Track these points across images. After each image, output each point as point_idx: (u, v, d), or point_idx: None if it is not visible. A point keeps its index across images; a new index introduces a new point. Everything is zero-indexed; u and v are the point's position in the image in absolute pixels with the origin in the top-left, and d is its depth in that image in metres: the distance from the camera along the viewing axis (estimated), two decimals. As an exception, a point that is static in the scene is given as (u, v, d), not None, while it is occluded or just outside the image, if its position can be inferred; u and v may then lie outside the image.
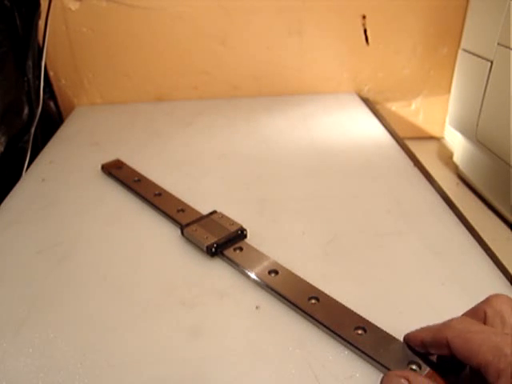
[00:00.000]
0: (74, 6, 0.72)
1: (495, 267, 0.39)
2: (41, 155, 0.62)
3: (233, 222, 0.42)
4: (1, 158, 0.60)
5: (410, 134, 0.85)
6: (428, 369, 0.28)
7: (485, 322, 0.26)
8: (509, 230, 0.62)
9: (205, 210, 0.45)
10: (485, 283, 0.37)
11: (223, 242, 0.40)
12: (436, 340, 0.26)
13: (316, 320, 0.33)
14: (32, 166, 0.60)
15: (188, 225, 0.43)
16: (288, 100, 0.80)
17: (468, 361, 0.24)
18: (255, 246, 0.41)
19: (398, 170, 0.56)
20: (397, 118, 0.84)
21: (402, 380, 0.25)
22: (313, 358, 0.31)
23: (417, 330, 0.28)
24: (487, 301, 0.27)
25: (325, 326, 0.32)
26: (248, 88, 0.81)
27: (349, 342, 0.31)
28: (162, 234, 0.45)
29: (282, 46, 0.77)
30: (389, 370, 0.28)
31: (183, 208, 0.47)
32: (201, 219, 0.43)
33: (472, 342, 0.24)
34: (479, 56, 0.66)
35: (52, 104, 0.79)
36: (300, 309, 0.34)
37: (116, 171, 0.55)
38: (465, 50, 0.70)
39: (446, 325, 0.26)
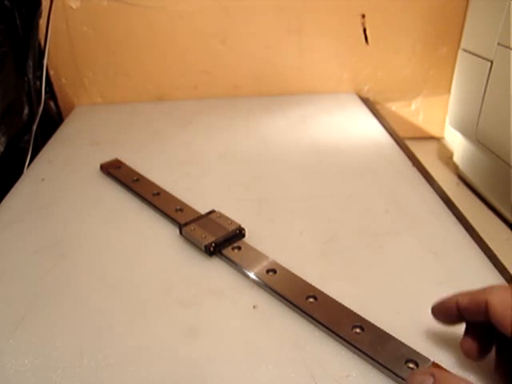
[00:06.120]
0: (75, 4, 0.72)
1: (493, 267, 0.39)
2: (40, 155, 0.62)
3: (231, 222, 0.42)
4: (1, 157, 0.60)
5: (410, 134, 0.84)
6: (427, 365, 0.28)
7: None
8: (509, 230, 0.62)
9: (203, 210, 0.45)
10: (482, 283, 0.37)
11: (221, 241, 0.40)
12: (474, 302, 0.26)
13: (314, 319, 0.33)
14: (31, 165, 0.60)
15: (186, 224, 0.43)
16: (288, 100, 0.80)
17: (505, 329, 0.24)
18: (253, 246, 0.41)
19: (397, 169, 0.56)
20: (397, 118, 0.84)
21: (428, 376, 0.25)
22: (310, 357, 0.31)
23: (450, 296, 0.28)
24: (487, 291, 0.27)
25: (323, 324, 0.32)
26: (248, 87, 0.81)
27: (347, 341, 0.31)
28: (160, 233, 0.45)
29: (282, 46, 0.77)
30: (386, 368, 0.28)
31: (182, 207, 0.47)
32: (199, 218, 0.43)
33: None
34: (479, 56, 0.65)
35: (52, 103, 0.79)
36: (298, 307, 0.34)
37: (115, 171, 0.55)
38: (465, 50, 0.70)
39: (487, 290, 0.26)
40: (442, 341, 0.31)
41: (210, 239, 0.40)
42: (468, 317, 0.27)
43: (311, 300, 0.34)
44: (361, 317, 0.32)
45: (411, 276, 0.38)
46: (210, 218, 0.43)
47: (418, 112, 0.85)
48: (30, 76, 0.68)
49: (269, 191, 0.52)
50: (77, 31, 0.74)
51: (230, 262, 0.39)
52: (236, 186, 0.53)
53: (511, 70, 0.57)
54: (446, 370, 0.28)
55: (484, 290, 0.26)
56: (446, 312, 0.29)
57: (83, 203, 0.50)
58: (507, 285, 0.27)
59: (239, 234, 0.42)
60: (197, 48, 0.77)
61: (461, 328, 0.29)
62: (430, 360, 0.28)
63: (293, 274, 0.37)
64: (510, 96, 0.57)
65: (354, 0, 0.74)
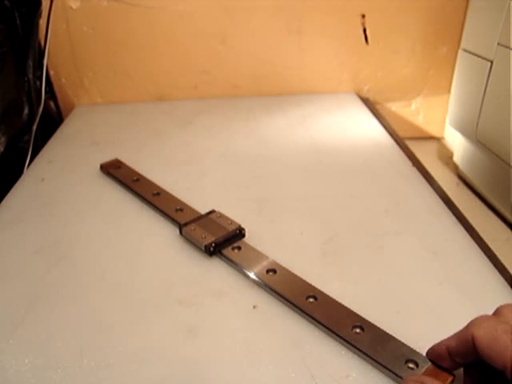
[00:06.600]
0: (75, 4, 0.72)
1: (493, 267, 0.39)
2: (40, 155, 0.62)
3: (231, 222, 0.42)
4: (1, 157, 0.60)
5: (410, 134, 0.84)
6: (426, 366, 0.28)
7: None
8: (509, 230, 0.61)
9: (203, 210, 0.45)
10: (482, 283, 0.37)
11: (221, 241, 0.40)
12: (462, 341, 0.25)
13: (314, 319, 0.33)
14: (31, 165, 0.60)
15: (186, 224, 0.43)
16: (288, 100, 0.80)
17: (492, 361, 0.23)
18: (253, 246, 0.41)
19: (397, 170, 0.56)
20: (397, 118, 0.84)
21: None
22: (310, 357, 0.31)
23: (439, 342, 0.27)
24: (498, 312, 0.26)
25: (323, 324, 0.32)
26: (248, 87, 0.81)
27: (346, 341, 0.31)
28: (160, 233, 0.45)
29: (282, 46, 0.77)
30: (386, 368, 0.28)
31: (182, 207, 0.47)
32: (199, 218, 0.43)
33: (499, 342, 0.23)
34: (479, 56, 0.65)
35: (52, 103, 0.79)
36: (298, 308, 0.34)
37: (115, 171, 0.55)
38: (465, 50, 0.70)
39: (472, 323, 0.25)
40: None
41: (210, 239, 0.40)
42: (460, 359, 0.26)
43: (311, 300, 0.34)
44: (361, 317, 0.32)
45: (411, 276, 0.38)
46: (209, 218, 0.43)
47: (418, 112, 0.85)
48: (30, 76, 0.68)
49: (269, 191, 0.52)
50: (77, 31, 0.74)
51: (230, 262, 0.39)
52: (236, 185, 0.53)
53: (511, 70, 0.57)
54: (444, 371, 0.27)
55: (468, 325, 0.25)
56: (438, 358, 0.27)
57: (83, 203, 0.50)
58: (490, 314, 0.26)
59: (239, 234, 0.42)
60: (197, 48, 0.77)
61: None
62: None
63: (293, 274, 0.37)
64: (510, 96, 0.57)
65: (354, 0, 0.74)
